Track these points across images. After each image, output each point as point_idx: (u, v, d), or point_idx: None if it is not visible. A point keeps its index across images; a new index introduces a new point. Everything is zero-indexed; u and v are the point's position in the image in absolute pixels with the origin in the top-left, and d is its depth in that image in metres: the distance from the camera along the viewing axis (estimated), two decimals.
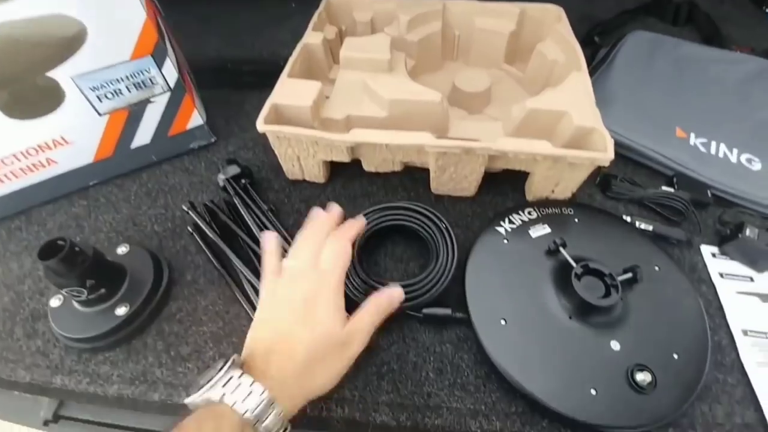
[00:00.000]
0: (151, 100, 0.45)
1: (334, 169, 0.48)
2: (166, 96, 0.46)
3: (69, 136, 0.44)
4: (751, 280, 0.41)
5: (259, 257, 0.38)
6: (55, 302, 0.38)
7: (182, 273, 0.42)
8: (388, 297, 0.34)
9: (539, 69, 0.52)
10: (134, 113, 0.45)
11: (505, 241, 0.40)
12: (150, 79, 0.43)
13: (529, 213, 0.42)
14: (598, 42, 0.64)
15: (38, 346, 0.38)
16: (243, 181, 0.46)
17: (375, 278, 0.38)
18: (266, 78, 0.46)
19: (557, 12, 0.53)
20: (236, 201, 0.44)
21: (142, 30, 0.40)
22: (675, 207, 0.44)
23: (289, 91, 0.44)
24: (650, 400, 0.31)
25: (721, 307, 0.39)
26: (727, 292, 0.40)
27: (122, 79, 0.42)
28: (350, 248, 0.34)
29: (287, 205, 0.47)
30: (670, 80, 0.55)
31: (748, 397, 0.34)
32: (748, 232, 0.41)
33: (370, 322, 0.32)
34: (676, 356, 0.33)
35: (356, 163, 0.46)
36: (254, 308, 0.36)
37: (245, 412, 0.25)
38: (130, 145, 0.48)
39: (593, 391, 0.32)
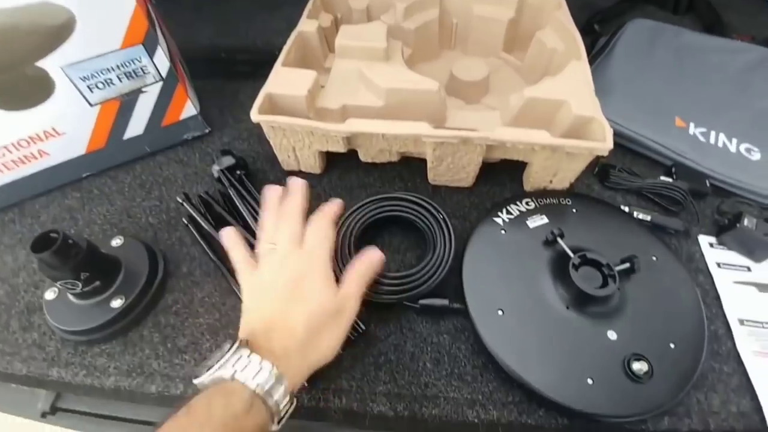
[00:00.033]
0: (143, 89, 0.44)
1: (331, 159, 0.48)
2: (159, 86, 0.45)
3: (60, 127, 0.43)
4: (749, 269, 0.41)
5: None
6: (50, 295, 0.37)
7: (178, 265, 0.41)
8: (368, 260, 0.34)
9: (538, 57, 0.51)
10: (126, 103, 0.44)
11: (503, 231, 0.40)
12: (141, 69, 0.43)
13: (527, 203, 0.41)
14: (598, 30, 0.63)
15: (34, 339, 0.37)
16: (238, 172, 0.45)
17: None
18: (260, 67, 0.45)
19: None
20: (231, 192, 0.43)
21: (132, 18, 0.39)
22: (673, 197, 0.44)
23: (284, 80, 0.43)
24: (646, 389, 0.31)
25: (717, 297, 0.39)
26: (724, 282, 0.40)
27: (113, 69, 0.41)
28: (333, 229, 0.35)
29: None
30: (670, 69, 0.54)
31: (744, 385, 0.34)
32: (746, 222, 0.40)
33: (358, 287, 0.33)
34: (672, 346, 0.33)
35: (353, 154, 0.46)
36: None
37: (256, 387, 0.25)
38: (122, 136, 0.47)
39: (590, 381, 0.32)
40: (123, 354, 0.36)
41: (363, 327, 0.36)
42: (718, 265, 0.41)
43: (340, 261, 0.38)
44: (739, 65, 0.55)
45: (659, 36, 0.58)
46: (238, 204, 0.43)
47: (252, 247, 0.36)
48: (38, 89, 0.40)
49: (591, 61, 0.47)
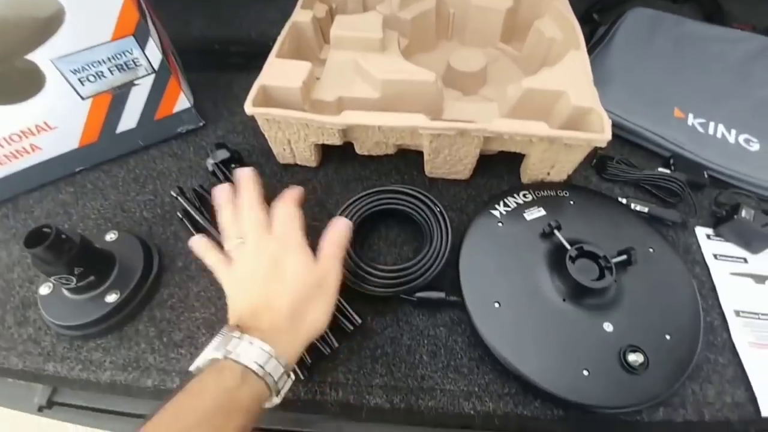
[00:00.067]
0: (135, 82, 0.44)
1: (327, 152, 0.47)
2: (151, 78, 0.44)
3: (52, 121, 0.42)
4: (745, 261, 0.41)
5: None
6: (44, 290, 0.37)
7: (173, 259, 0.41)
8: (337, 228, 0.35)
9: (536, 47, 0.51)
10: (118, 96, 0.44)
11: (500, 224, 0.39)
12: (133, 61, 0.42)
13: (524, 195, 0.41)
14: (597, 19, 0.62)
15: (30, 334, 0.37)
16: (233, 165, 0.45)
17: (368, 262, 0.38)
18: (255, 59, 0.44)
19: None
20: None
21: (122, 9, 0.38)
22: (671, 188, 0.44)
23: (278, 72, 0.42)
24: (642, 381, 0.32)
25: (714, 288, 0.39)
26: (720, 274, 0.40)
27: (104, 61, 0.41)
28: (299, 209, 0.35)
29: (279, 189, 0.44)
30: (670, 59, 0.54)
31: (739, 376, 0.34)
32: (743, 213, 0.40)
33: (335, 255, 0.33)
34: (668, 337, 0.33)
35: (349, 147, 0.45)
36: None
37: (247, 362, 0.26)
38: (115, 130, 0.46)
39: (585, 372, 0.32)
40: (118, 348, 0.36)
41: (359, 320, 0.36)
42: (715, 256, 0.41)
43: None
44: (740, 54, 0.54)
45: (659, 25, 0.57)
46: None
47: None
48: (29, 83, 0.39)
49: (590, 51, 0.47)
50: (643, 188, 0.45)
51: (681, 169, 0.45)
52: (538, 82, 0.41)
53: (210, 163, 0.45)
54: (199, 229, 0.42)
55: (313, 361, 0.34)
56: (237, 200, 0.35)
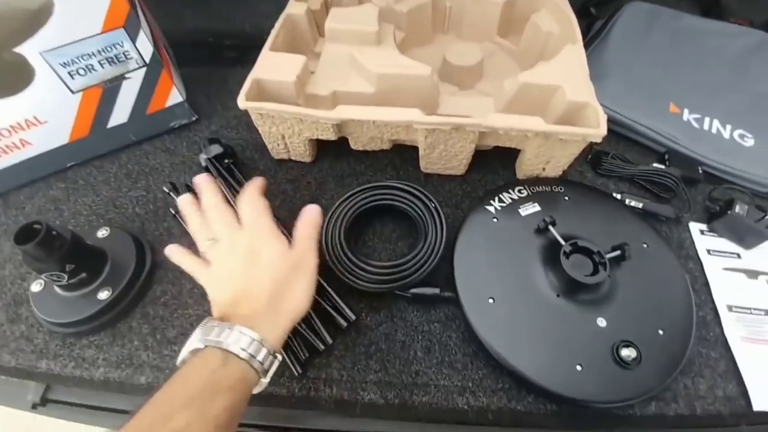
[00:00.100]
0: (126, 75, 0.43)
1: (321, 147, 0.47)
2: (142, 71, 0.43)
3: (42, 116, 0.42)
4: (738, 256, 0.41)
5: None
6: (36, 287, 0.37)
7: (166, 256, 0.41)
8: (308, 217, 0.35)
9: (533, 41, 0.50)
10: (109, 90, 0.43)
11: (495, 219, 0.39)
12: (123, 54, 0.41)
13: (519, 191, 0.41)
14: (594, 13, 0.62)
15: (22, 331, 0.37)
16: (226, 161, 0.45)
17: (363, 258, 0.38)
18: (249, 52, 0.44)
19: None
20: (219, 182, 0.42)
21: (112, 0, 0.38)
22: (665, 184, 0.44)
23: (272, 65, 0.42)
24: (634, 375, 0.32)
25: (707, 283, 0.39)
26: (713, 269, 0.40)
27: (94, 54, 0.40)
28: (264, 198, 0.35)
29: (273, 185, 0.46)
30: (666, 53, 0.53)
31: (731, 370, 0.35)
32: (737, 208, 0.40)
33: (309, 237, 0.34)
34: (661, 332, 0.34)
35: (344, 142, 0.45)
36: None
37: (228, 346, 0.27)
38: (106, 124, 0.46)
39: (579, 367, 0.32)
40: (112, 345, 0.36)
41: (354, 316, 0.36)
42: (708, 251, 0.41)
43: (332, 251, 0.38)
44: (737, 49, 0.54)
45: (656, 19, 0.57)
46: (226, 194, 0.42)
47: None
48: (17, 76, 0.38)
49: (587, 45, 0.47)
50: (638, 184, 0.45)
51: (675, 165, 0.45)
52: (534, 76, 0.41)
53: (203, 158, 0.44)
54: None
55: (307, 357, 0.34)
56: (201, 205, 0.35)
